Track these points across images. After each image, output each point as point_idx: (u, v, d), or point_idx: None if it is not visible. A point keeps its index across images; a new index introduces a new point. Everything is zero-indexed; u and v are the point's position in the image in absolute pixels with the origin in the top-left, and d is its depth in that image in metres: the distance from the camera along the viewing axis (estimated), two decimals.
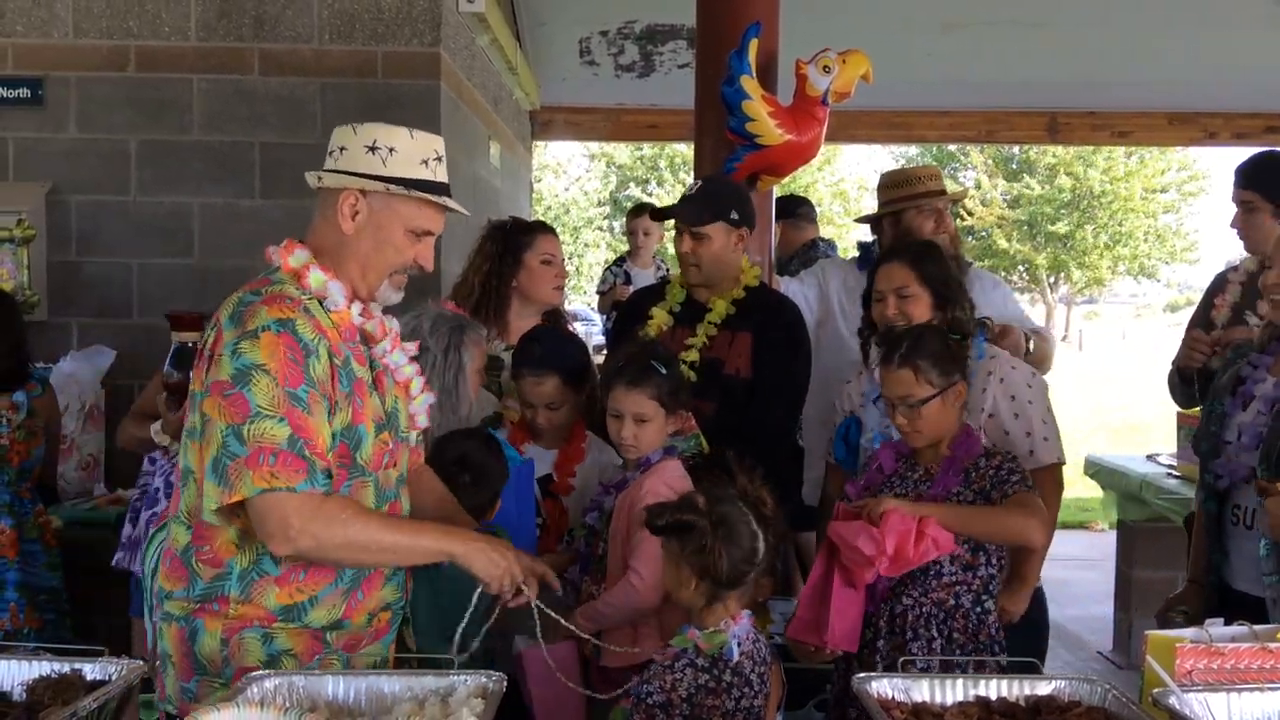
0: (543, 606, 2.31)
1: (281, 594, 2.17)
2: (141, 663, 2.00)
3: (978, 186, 31.16)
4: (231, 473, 2.04)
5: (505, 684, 2.03)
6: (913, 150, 28.52)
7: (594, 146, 25.47)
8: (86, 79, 4.72)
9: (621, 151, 26.78)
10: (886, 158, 29.75)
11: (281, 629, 2.18)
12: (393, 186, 2.20)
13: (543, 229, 3.75)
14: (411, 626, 2.56)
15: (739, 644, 2.31)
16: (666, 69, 7.67)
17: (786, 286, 4.20)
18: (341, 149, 2.24)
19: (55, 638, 3.35)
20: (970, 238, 30.83)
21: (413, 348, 2.46)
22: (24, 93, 4.70)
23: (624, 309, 3.94)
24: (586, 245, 26.76)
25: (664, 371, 2.92)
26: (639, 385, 2.90)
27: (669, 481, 2.90)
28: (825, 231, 6.14)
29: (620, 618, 2.79)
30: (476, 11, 5.26)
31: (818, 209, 8.75)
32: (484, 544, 2.23)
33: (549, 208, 25.93)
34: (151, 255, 4.73)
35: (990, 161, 31.35)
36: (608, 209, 27.24)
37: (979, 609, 2.71)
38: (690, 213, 3.40)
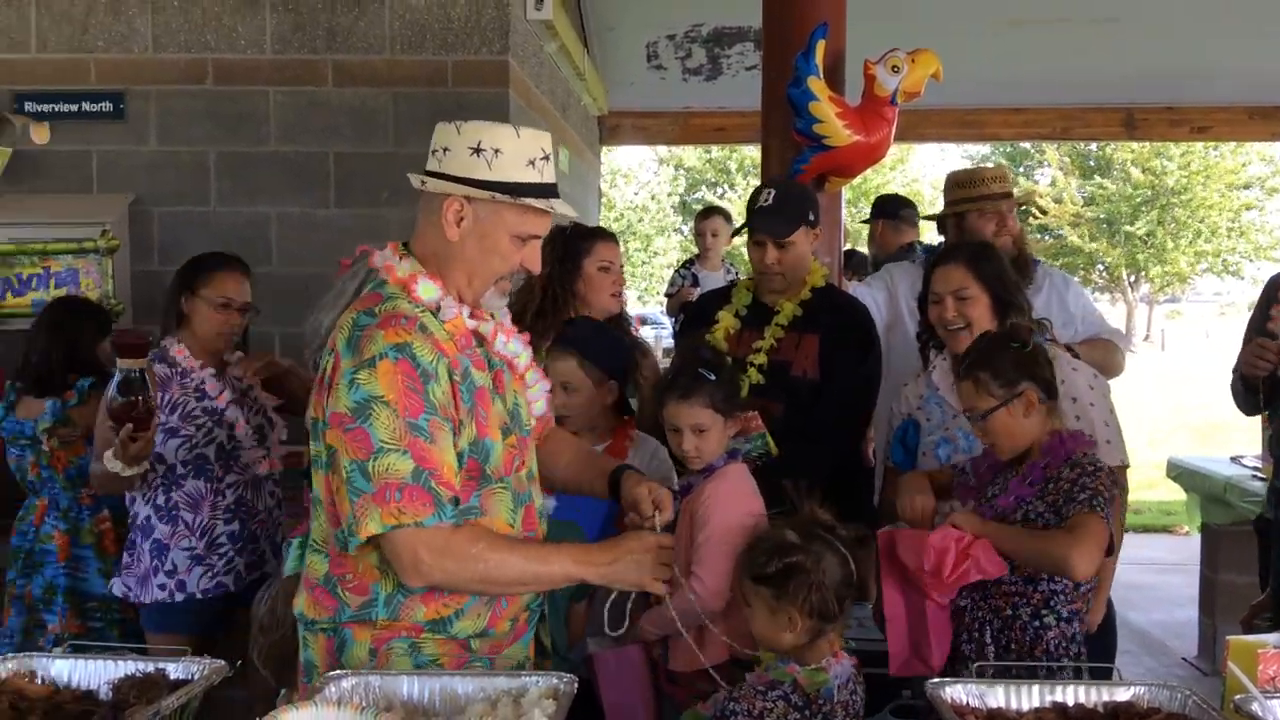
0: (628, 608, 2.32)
1: (428, 610, 2.17)
2: (223, 663, 2.05)
3: (1053, 184, 30.64)
4: (359, 510, 2.04)
5: (576, 685, 2.04)
6: (985, 149, 28.14)
7: (663, 151, 25.51)
8: (166, 92, 4.81)
9: (690, 155, 26.78)
10: (960, 157, 29.40)
11: (429, 639, 2.19)
12: (498, 195, 2.14)
13: (602, 236, 3.75)
14: (548, 623, 2.59)
15: (838, 686, 2.23)
16: (734, 71, 7.66)
17: (855, 291, 4.18)
18: (445, 149, 2.17)
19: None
20: (1045, 236, 30.31)
21: (525, 336, 2.43)
22: (106, 107, 4.81)
23: (690, 312, 3.95)
24: (656, 251, 26.80)
25: (714, 378, 2.90)
26: (691, 396, 2.87)
27: (734, 485, 2.90)
28: None
29: (685, 623, 2.79)
30: (544, 19, 5.30)
31: None
32: (615, 557, 2.21)
33: (620, 214, 26.02)
34: None
35: (1066, 159, 30.80)
36: (678, 214, 27.25)
37: (1037, 623, 2.63)
38: (777, 225, 3.37)
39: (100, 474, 3.38)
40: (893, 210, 5.78)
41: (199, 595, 3.47)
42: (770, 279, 3.44)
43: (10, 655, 2.02)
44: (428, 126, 4.81)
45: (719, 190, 26.69)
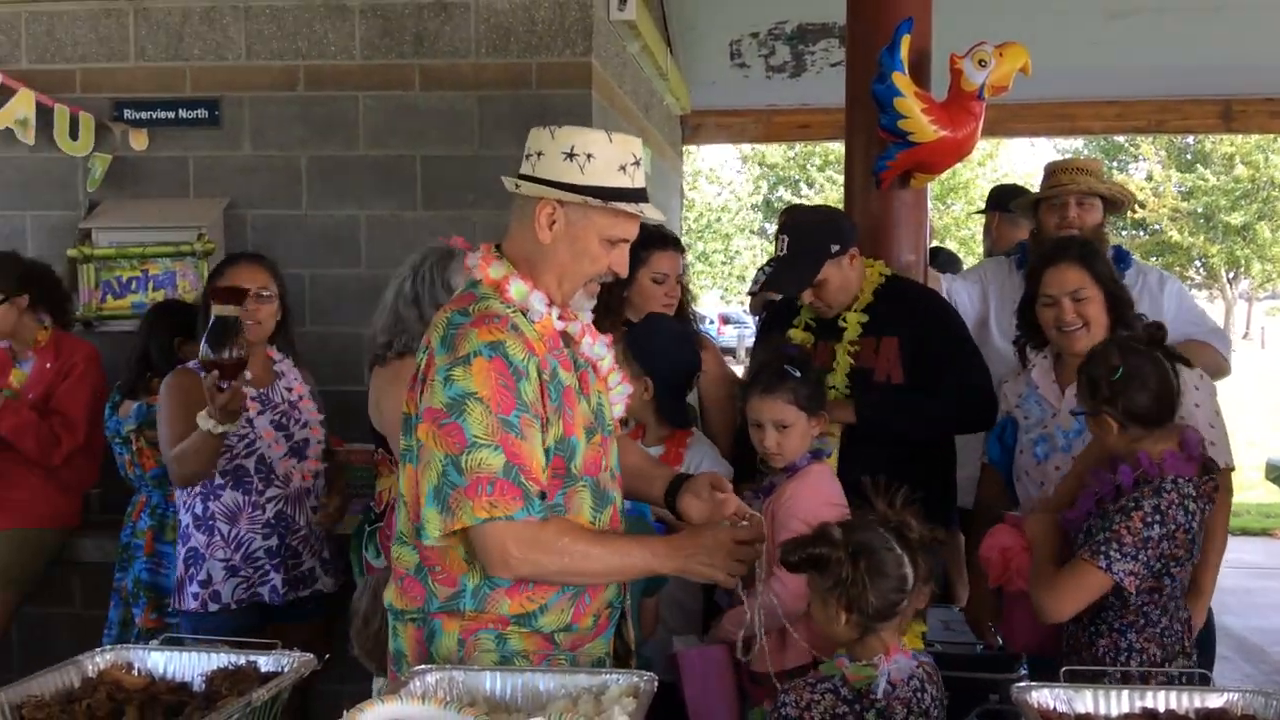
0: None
1: (513, 604, 2.22)
2: (312, 656, 2.09)
3: (1149, 178, 29.86)
4: (452, 502, 2.10)
5: (656, 684, 2.05)
6: (1078, 143, 27.51)
7: (746, 149, 25.40)
8: (259, 98, 4.92)
9: (774, 152, 26.63)
10: (1053, 151, 28.79)
11: (515, 631, 2.23)
12: (590, 199, 2.19)
13: (661, 245, 3.70)
14: (631, 621, 2.62)
15: (890, 684, 2.21)
16: (818, 68, 7.60)
17: (949, 284, 4.13)
18: (539, 154, 2.23)
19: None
20: (1142, 232, 29.58)
21: (608, 338, 2.47)
22: (201, 113, 4.93)
23: (766, 317, 3.95)
24: (738, 250, 26.72)
25: (799, 375, 2.90)
26: (774, 391, 2.88)
27: (816, 485, 2.89)
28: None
29: (767, 624, 2.78)
30: (627, 19, 5.32)
31: (978, 204, 8.41)
32: (690, 550, 2.23)
33: (700, 213, 25.98)
34: (322, 266, 4.92)
35: (1163, 152, 30.00)
36: (759, 212, 27.13)
37: (1092, 629, 2.63)
38: (795, 279, 3.36)
39: (173, 456, 3.36)
40: (1007, 201, 5.21)
41: (233, 605, 3.45)
42: (816, 309, 3.43)
43: (109, 647, 2.09)
44: (512, 129, 4.92)
45: (801, 188, 26.50)
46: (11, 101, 4.82)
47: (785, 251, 3.39)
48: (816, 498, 2.80)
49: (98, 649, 2.08)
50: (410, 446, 2.22)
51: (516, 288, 2.24)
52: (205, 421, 3.20)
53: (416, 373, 2.23)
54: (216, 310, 3.22)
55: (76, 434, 4.04)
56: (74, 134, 4.85)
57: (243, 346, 3.21)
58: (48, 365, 4.06)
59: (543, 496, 2.16)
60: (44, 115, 4.84)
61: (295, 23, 4.89)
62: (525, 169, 2.26)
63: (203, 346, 3.18)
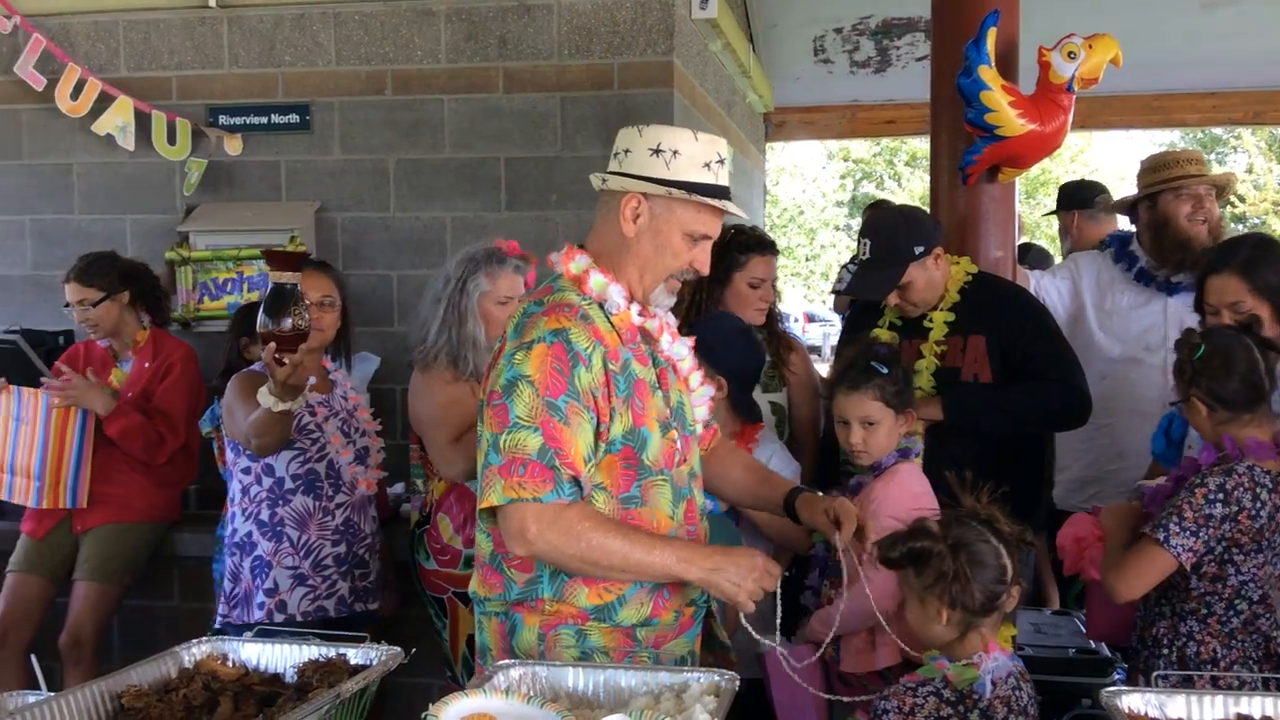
0: (750, 628, 2.31)
1: (591, 593, 2.24)
2: (399, 650, 2.13)
3: (1249, 171, 28.96)
4: (485, 481, 2.15)
5: (738, 683, 2.04)
6: (1174, 135, 26.78)
7: (832, 145, 25.18)
8: (348, 103, 5.01)
9: (859, 148, 26.36)
10: (1148, 144, 28.06)
11: (594, 627, 2.26)
12: (674, 191, 2.22)
13: (760, 250, 3.69)
14: (721, 620, 2.63)
15: (993, 683, 2.17)
16: (904, 63, 7.51)
17: (1038, 281, 4.06)
18: (626, 151, 2.28)
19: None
20: (1241, 225, 28.69)
21: (689, 340, 2.49)
22: (293, 118, 5.04)
23: (850, 315, 3.92)
24: (823, 246, 26.49)
25: (886, 371, 2.87)
26: (861, 388, 2.85)
27: (904, 484, 2.85)
28: None
29: (856, 624, 2.76)
30: (709, 18, 5.31)
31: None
32: (719, 564, 2.21)
33: (784, 210, 25.81)
34: (408, 267, 4.99)
35: (1263, 143, 29.06)
36: (844, 208, 26.88)
37: (1184, 628, 2.57)
38: (879, 284, 3.33)
39: (245, 432, 3.25)
40: (1087, 198, 5.22)
41: (298, 617, 3.37)
42: (902, 309, 3.39)
43: (205, 639, 2.15)
44: (594, 129, 4.94)
45: (887, 183, 26.19)
46: (111, 108, 4.99)
47: (868, 255, 3.36)
48: (905, 497, 2.76)
49: (194, 640, 2.14)
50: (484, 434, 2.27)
51: (595, 280, 2.28)
52: (265, 398, 3.04)
53: (493, 361, 2.28)
54: (273, 278, 3.02)
55: (178, 433, 4.14)
56: (171, 139, 5.00)
57: (303, 316, 3.00)
58: (146, 365, 4.17)
59: (576, 483, 2.18)
60: (142, 121, 5.00)
61: (383, 28, 4.97)
62: (612, 166, 2.31)
63: (260, 317, 2.98)
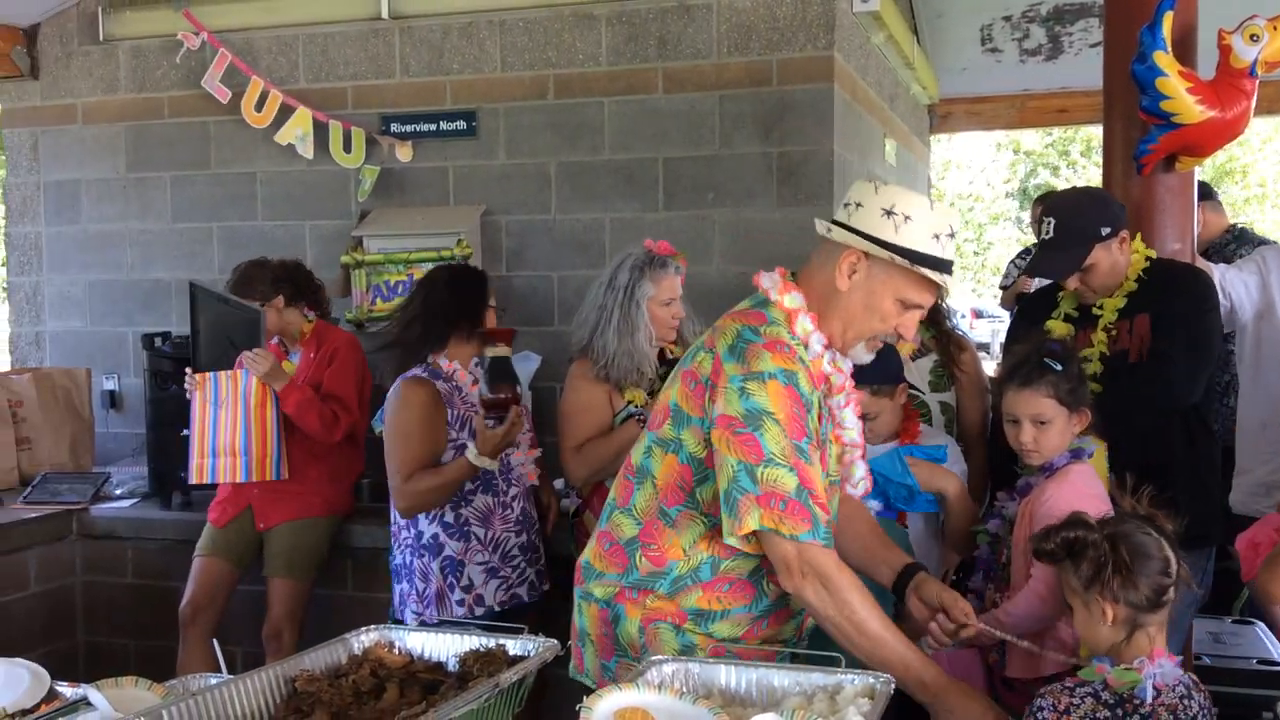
0: None
1: (702, 598, 2.30)
2: (555, 642, 2.17)
3: None
4: (741, 508, 2.17)
5: (893, 686, 2.02)
6: None
7: (1001, 136, 24.44)
8: (513, 108, 5.12)
9: (1030, 138, 25.51)
10: None
11: (691, 629, 2.31)
12: (898, 258, 2.21)
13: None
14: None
15: (1156, 689, 2.08)
16: (1076, 49, 7.24)
17: (1222, 274, 3.88)
18: (857, 204, 2.27)
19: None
20: None
21: (859, 396, 2.48)
22: (460, 125, 5.18)
23: (1019, 310, 3.80)
24: (992, 241, 25.75)
25: (1059, 369, 2.78)
26: (1032, 385, 2.77)
27: (1077, 486, 2.76)
28: (1274, 217, 5.35)
29: (1023, 628, 2.69)
30: (871, 10, 5.23)
31: (1262, 189, 7.82)
32: (956, 703, 2.13)
33: (951, 203, 25.21)
34: (568, 268, 5.07)
35: None
36: (1014, 200, 26.06)
37: None
38: (1063, 263, 3.22)
39: (424, 489, 3.44)
40: (1208, 191, 5.21)
41: (496, 608, 3.53)
42: (1081, 295, 3.27)
43: (373, 627, 2.23)
44: (752, 127, 4.93)
45: (1062, 173, 25.26)
46: (292, 119, 5.23)
47: (1051, 235, 3.26)
48: (1077, 499, 2.67)
49: (363, 628, 2.23)
50: (678, 439, 2.30)
51: (803, 324, 2.29)
52: (478, 459, 3.37)
53: (695, 371, 2.30)
54: (489, 352, 3.39)
55: (352, 411, 4.28)
56: (347, 148, 5.22)
57: (515, 384, 3.37)
58: (312, 355, 4.34)
59: (829, 525, 2.20)
60: (320, 131, 5.23)
61: (545, 33, 5.06)
62: (840, 216, 2.30)
63: (480, 387, 3.37)
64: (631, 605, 2.34)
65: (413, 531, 3.58)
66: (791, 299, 2.30)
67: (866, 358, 2.39)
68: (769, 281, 2.34)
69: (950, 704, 2.13)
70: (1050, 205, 3.42)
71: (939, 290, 2.31)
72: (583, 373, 3.57)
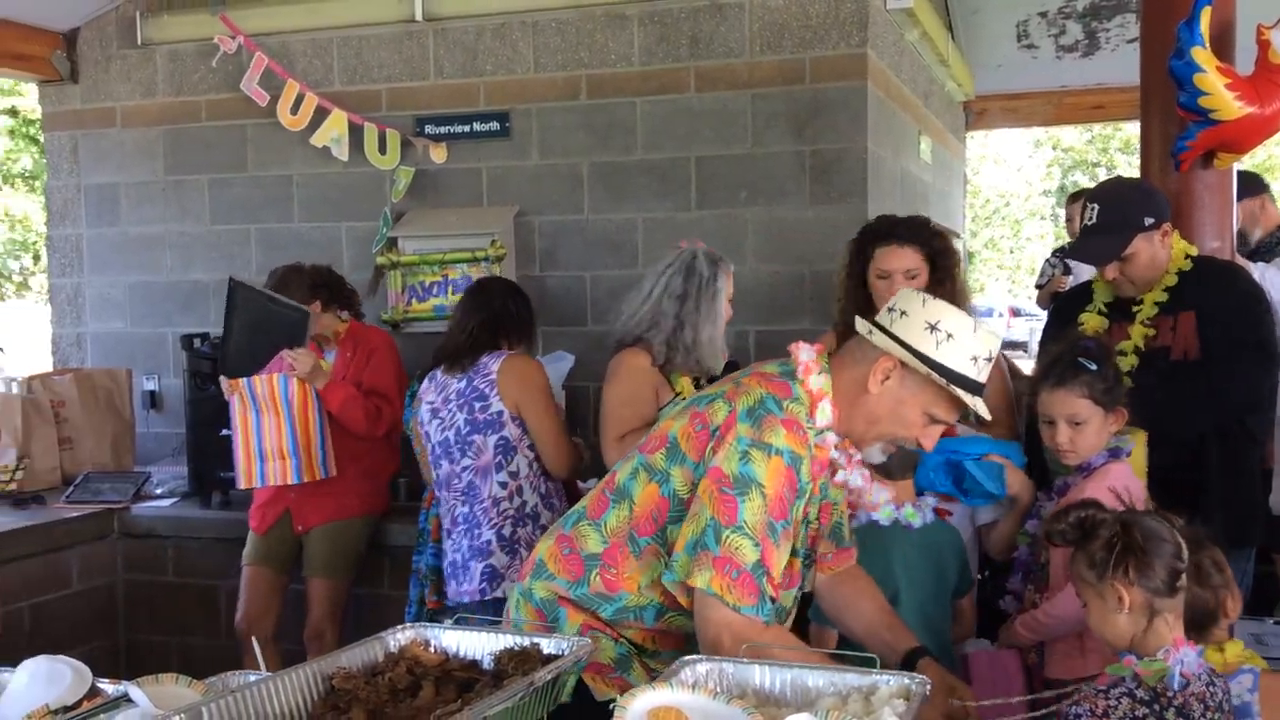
0: None
1: (638, 635, 2.36)
2: (589, 640, 2.18)
3: None
4: (697, 561, 2.19)
5: (928, 687, 2.01)
6: None
7: (1039, 133, 24.23)
8: (545, 109, 5.14)
9: (1069, 135, 25.28)
10: None
11: (627, 645, 2.38)
12: (935, 375, 2.22)
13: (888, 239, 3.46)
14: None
15: (1184, 677, 2.06)
16: (1113, 45, 7.19)
17: (1261, 272, 3.85)
18: (902, 313, 2.28)
19: None
20: None
21: (866, 472, 2.46)
22: (494, 126, 5.20)
23: (1054, 309, 3.77)
24: (1029, 238, 25.55)
25: (1094, 368, 2.76)
26: (1067, 385, 2.75)
27: (1115, 485, 2.74)
28: None
29: (1063, 629, 2.68)
30: (904, 7, 5.22)
31: None
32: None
33: (987, 200, 25.03)
34: (601, 268, 5.09)
35: None
36: (1051, 197, 25.84)
37: None
38: (1103, 248, 3.19)
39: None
40: (1263, 183, 5.17)
41: None
42: (1120, 287, 3.24)
43: (408, 625, 2.24)
44: (784, 125, 4.92)
45: (1101, 171, 25.01)
46: (327, 121, 5.28)
47: (1094, 220, 3.23)
48: (1114, 499, 2.65)
49: (399, 626, 2.24)
50: (667, 473, 2.32)
51: (823, 413, 2.29)
52: None
53: (706, 417, 2.30)
54: None
55: (394, 404, 4.34)
56: (382, 149, 5.25)
57: None
58: (348, 354, 4.38)
59: (774, 601, 2.23)
60: (355, 133, 5.27)
61: (578, 34, 5.07)
62: (884, 320, 2.31)
63: None
64: (574, 610, 2.38)
65: (516, 502, 3.74)
66: (817, 382, 2.30)
67: (879, 458, 2.40)
68: (805, 354, 2.34)
69: None
70: (1095, 192, 3.40)
71: (962, 406, 2.30)
72: (633, 363, 3.58)
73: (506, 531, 3.72)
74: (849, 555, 2.58)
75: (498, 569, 3.70)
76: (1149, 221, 3.15)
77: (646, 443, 2.42)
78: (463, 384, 3.78)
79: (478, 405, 3.74)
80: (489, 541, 3.72)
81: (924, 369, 2.22)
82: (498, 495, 3.74)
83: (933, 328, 2.22)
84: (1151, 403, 2.95)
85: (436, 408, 3.83)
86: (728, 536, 2.17)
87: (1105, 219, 3.21)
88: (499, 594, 3.63)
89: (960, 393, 2.23)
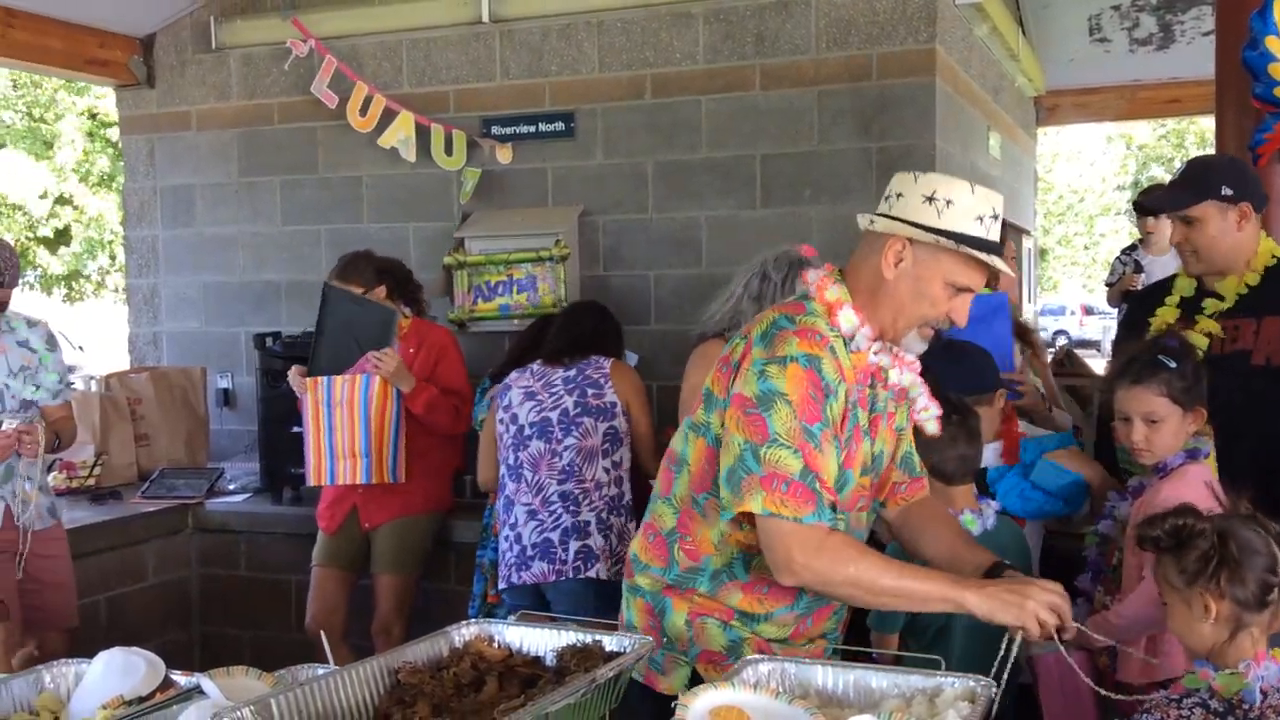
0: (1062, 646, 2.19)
1: (744, 599, 2.31)
2: (650, 639, 2.19)
3: None
4: (745, 486, 2.16)
5: (994, 690, 1.98)
6: None
7: (1111, 128, 23.79)
8: (610, 109, 5.15)
9: (1143, 131, 24.79)
10: None
11: (738, 626, 2.32)
12: (942, 240, 2.20)
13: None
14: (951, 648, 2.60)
15: (1263, 692, 1.99)
16: (1189, 38, 7.03)
17: None
18: (898, 195, 2.26)
19: None
20: None
21: (916, 366, 2.41)
22: (559, 126, 5.23)
23: (1131, 304, 3.69)
24: (1103, 234, 25.11)
25: (1174, 366, 2.69)
26: (1144, 382, 2.69)
27: (1193, 488, 2.68)
28: None
29: (1135, 630, 2.62)
30: (974, 1, 5.15)
31: None
32: (1001, 590, 2.13)
33: (1060, 197, 24.63)
34: (665, 267, 5.09)
35: None
36: (1128, 194, 25.35)
37: None
38: (1172, 198, 3.13)
39: None
40: None
41: None
42: (1185, 260, 3.15)
43: (473, 621, 2.27)
44: (850, 123, 4.88)
45: (1177, 164, 24.50)
46: (395, 123, 5.34)
47: (1178, 175, 3.24)
48: (1194, 500, 2.59)
49: (464, 622, 2.27)
50: (708, 423, 2.30)
51: (846, 317, 2.27)
52: None
53: (729, 356, 2.31)
54: None
55: (470, 402, 4.44)
56: (449, 150, 5.30)
57: None
58: (411, 350, 4.41)
59: (834, 507, 2.19)
60: (422, 134, 5.32)
61: (643, 33, 5.08)
62: (883, 208, 2.29)
63: None
64: (678, 599, 2.35)
65: (615, 491, 3.87)
66: (833, 291, 2.28)
67: (920, 346, 2.34)
68: (814, 276, 2.33)
69: (993, 608, 2.10)
70: (1193, 158, 3.36)
71: (990, 272, 2.27)
72: (713, 352, 3.51)
73: (605, 516, 3.82)
74: (921, 485, 2.54)
75: (594, 550, 3.79)
76: (1226, 191, 3.04)
77: (691, 408, 2.43)
78: (571, 372, 3.93)
79: (590, 391, 3.88)
80: (588, 522, 3.81)
81: (931, 239, 2.19)
82: (601, 480, 3.86)
83: (930, 199, 2.19)
84: (1231, 405, 2.86)
85: (534, 391, 3.92)
86: (765, 453, 2.14)
87: (1185, 175, 3.17)
88: (591, 574, 3.75)
89: (974, 253, 2.19)
